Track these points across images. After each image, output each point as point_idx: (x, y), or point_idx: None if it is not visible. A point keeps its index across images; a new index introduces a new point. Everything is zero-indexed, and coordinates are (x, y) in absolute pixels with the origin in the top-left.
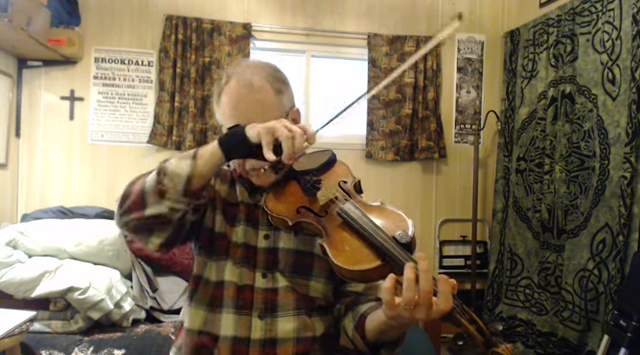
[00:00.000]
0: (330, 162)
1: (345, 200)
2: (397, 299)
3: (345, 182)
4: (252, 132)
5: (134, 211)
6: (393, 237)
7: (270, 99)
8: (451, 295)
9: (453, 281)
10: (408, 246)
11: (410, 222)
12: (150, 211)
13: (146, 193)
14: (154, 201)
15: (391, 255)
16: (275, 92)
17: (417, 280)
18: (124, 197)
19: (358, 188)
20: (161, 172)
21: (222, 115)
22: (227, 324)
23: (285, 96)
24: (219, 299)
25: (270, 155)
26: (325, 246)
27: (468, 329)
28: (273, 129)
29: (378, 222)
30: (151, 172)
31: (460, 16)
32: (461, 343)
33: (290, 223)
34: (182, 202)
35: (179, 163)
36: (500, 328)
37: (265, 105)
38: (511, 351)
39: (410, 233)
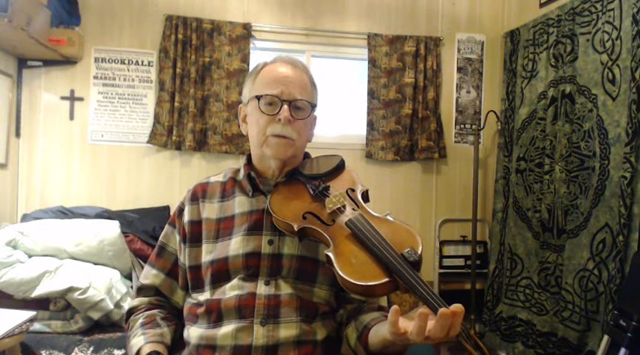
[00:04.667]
0: (339, 167)
1: (353, 210)
2: (403, 326)
3: (354, 190)
4: None
5: None
6: (402, 254)
7: (307, 84)
8: (460, 324)
9: (461, 307)
10: (416, 265)
11: (419, 240)
12: None
13: None
14: None
15: (399, 274)
16: (310, 82)
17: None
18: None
19: (366, 197)
20: None
21: (260, 84)
22: (227, 334)
23: (316, 93)
24: (220, 315)
25: None
26: (331, 256)
27: (470, 353)
28: None
29: (387, 236)
30: (129, 344)
31: None
32: None
33: (295, 228)
34: None
35: None
36: None
37: (304, 84)
38: None
39: (418, 251)
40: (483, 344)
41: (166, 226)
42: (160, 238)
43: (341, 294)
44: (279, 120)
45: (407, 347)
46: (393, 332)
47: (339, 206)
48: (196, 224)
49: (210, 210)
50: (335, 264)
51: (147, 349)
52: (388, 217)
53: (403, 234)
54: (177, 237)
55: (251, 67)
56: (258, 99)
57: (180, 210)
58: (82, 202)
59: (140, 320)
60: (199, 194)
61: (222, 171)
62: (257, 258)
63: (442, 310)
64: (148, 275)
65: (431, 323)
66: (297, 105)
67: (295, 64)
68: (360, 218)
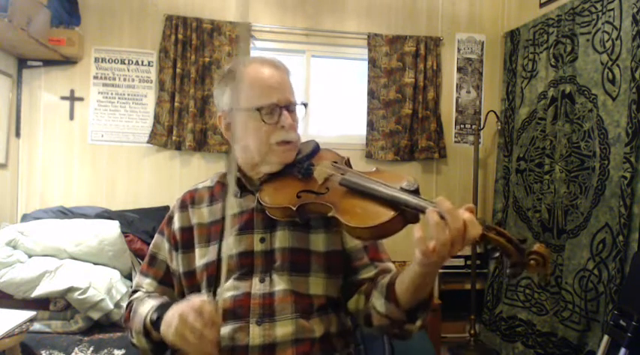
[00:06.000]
0: (316, 150)
1: (342, 174)
2: (431, 245)
3: (336, 162)
4: (168, 335)
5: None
6: (401, 188)
7: (292, 83)
8: (476, 220)
9: (471, 205)
10: (418, 192)
11: (410, 177)
12: None
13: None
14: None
15: (405, 202)
16: (288, 75)
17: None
18: (124, 321)
19: (348, 164)
20: (136, 347)
21: (250, 91)
22: (224, 335)
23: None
24: None
25: None
26: (337, 216)
27: (499, 243)
28: (184, 337)
29: (380, 180)
30: (129, 324)
31: None
32: (496, 255)
33: (294, 208)
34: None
35: (139, 342)
36: (526, 239)
37: (290, 85)
38: (545, 247)
39: (413, 181)
40: (508, 231)
41: (156, 235)
42: (151, 247)
43: (351, 280)
44: (283, 127)
45: (432, 286)
46: (423, 251)
47: (327, 174)
48: (187, 230)
49: (200, 216)
50: (342, 220)
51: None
52: (375, 170)
53: (394, 175)
54: (167, 245)
55: None
56: (260, 111)
57: (170, 219)
58: (82, 202)
59: (145, 295)
60: (188, 201)
61: (209, 177)
62: (250, 256)
63: (446, 206)
64: (142, 283)
65: (447, 228)
66: (293, 109)
67: (277, 65)
68: (350, 174)
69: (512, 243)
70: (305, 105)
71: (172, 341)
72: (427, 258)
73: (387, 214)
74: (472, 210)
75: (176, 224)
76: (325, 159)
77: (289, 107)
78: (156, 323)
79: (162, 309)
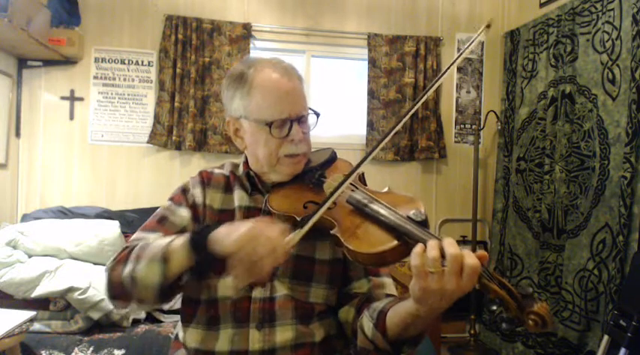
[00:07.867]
0: (332, 159)
1: (352, 190)
2: (427, 272)
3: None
4: (228, 243)
5: (122, 301)
6: (408, 217)
7: (304, 91)
8: (479, 267)
9: (483, 253)
10: (424, 224)
11: (421, 203)
12: (136, 305)
13: (127, 293)
14: (135, 303)
15: (409, 233)
16: (300, 82)
17: (442, 253)
18: (109, 285)
19: (363, 180)
20: (133, 280)
21: (260, 101)
22: (224, 339)
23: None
24: (216, 317)
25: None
26: (338, 235)
27: (498, 294)
28: (254, 249)
29: (389, 204)
30: (127, 260)
31: (489, 25)
32: (494, 308)
33: (298, 218)
34: (162, 301)
35: (148, 271)
36: (531, 290)
37: (303, 94)
38: (548, 309)
39: (423, 211)
40: (511, 285)
41: (168, 203)
42: (160, 212)
43: (344, 291)
44: (292, 140)
45: (426, 326)
46: (417, 266)
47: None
48: (202, 207)
49: (212, 199)
50: (342, 241)
51: (182, 238)
52: (387, 191)
53: (405, 200)
54: (185, 212)
55: None
56: (270, 126)
57: (185, 191)
58: (82, 202)
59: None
60: (205, 179)
61: (224, 165)
62: None
63: (449, 248)
64: (148, 239)
65: (444, 266)
66: (304, 120)
67: (289, 72)
68: (359, 193)
69: (513, 298)
70: (317, 114)
71: (233, 243)
72: (420, 281)
73: (388, 243)
74: (483, 257)
75: (195, 197)
76: (340, 171)
77: (301, 119)
78: (196, 239)
79: (206, 229)
